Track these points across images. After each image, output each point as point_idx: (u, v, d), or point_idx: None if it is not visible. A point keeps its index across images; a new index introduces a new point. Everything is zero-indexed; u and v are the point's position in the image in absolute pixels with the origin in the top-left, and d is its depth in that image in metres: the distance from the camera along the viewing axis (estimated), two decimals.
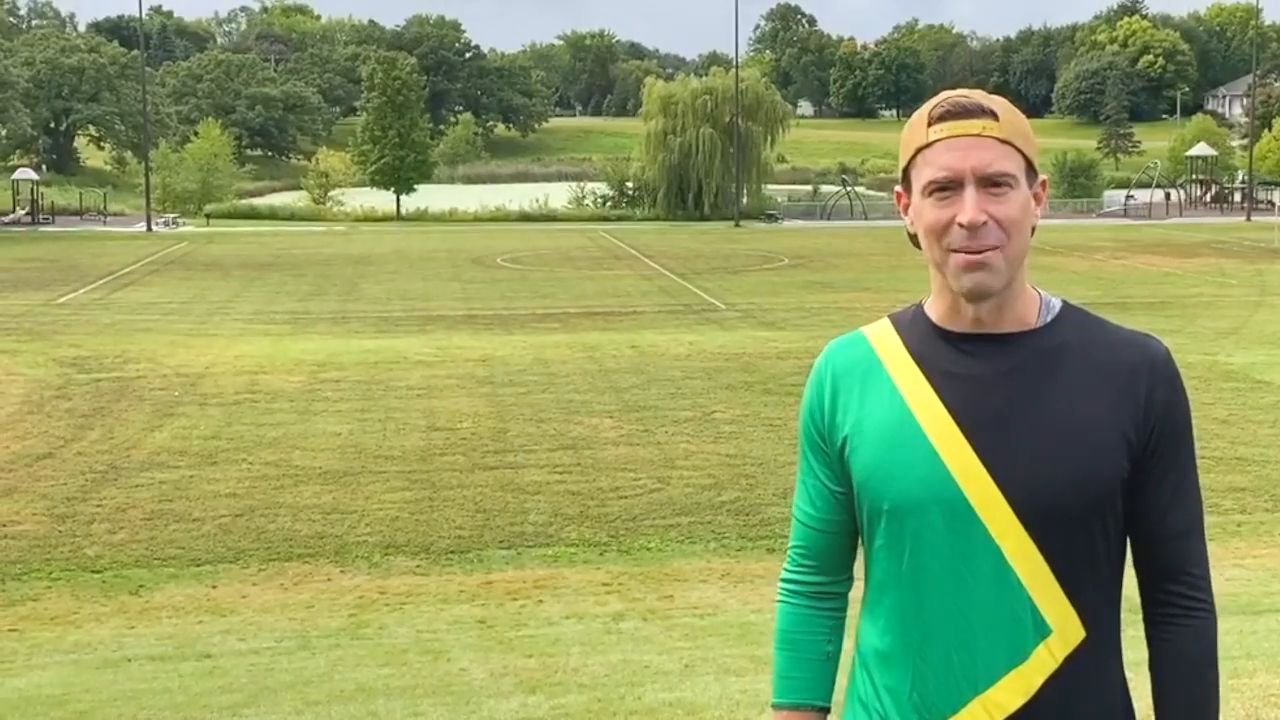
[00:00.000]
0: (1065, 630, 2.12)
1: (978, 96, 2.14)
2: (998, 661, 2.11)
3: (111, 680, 9.77)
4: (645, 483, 15.86)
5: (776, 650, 2.34)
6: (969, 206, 2.07)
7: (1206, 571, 2.22)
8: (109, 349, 25.58)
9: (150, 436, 18.34)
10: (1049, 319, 2.18)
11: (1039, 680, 2.11)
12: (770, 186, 70.83)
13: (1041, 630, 2.11)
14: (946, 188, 2.09)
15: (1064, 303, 2.22)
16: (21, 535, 14.08)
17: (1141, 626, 2.27)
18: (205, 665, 10.23)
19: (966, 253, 2.08)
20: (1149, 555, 2.19)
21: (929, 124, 2.12)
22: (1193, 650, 2.17)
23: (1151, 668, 2.20)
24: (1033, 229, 2.16)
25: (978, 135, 2.09)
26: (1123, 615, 2.25)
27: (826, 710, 2.32)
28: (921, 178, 2.12)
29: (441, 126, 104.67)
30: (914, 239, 2.22)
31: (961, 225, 2.08)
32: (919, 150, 2.13)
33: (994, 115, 2.11)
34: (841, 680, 2.34)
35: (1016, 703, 2.11)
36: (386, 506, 15.07)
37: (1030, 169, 2.14)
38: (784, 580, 2.36)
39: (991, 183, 2.08)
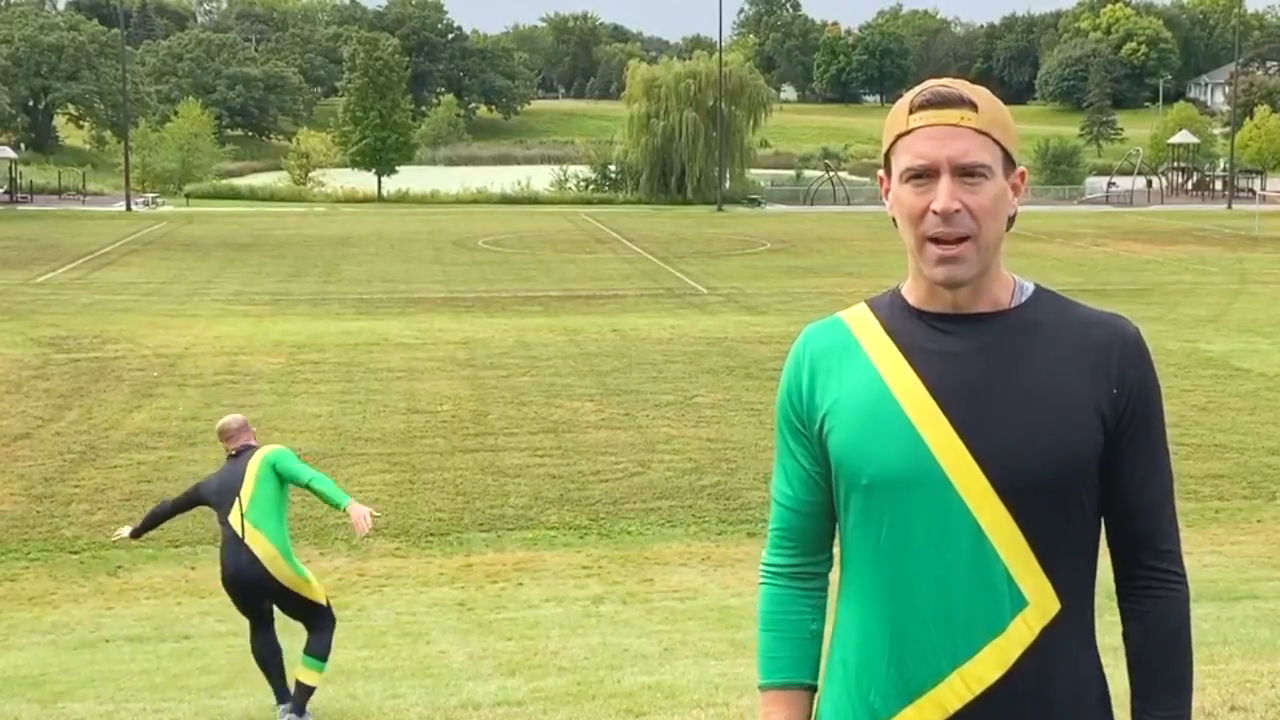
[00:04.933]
0: (1041, 603, 2.14)
1: (959, 86, 2.18)
2: (975, 634, 2.13)
3: (89, 661, 9.75)
4: (626, 466, 15.86)
5: (761, 632, 2.36)
6: (943, 195, 2.12)
7: (1179, 544, 2.27)
8: (88, 329, 25.46)
9: (129, 417, 18.26)
10: (1023, 300, 2.23)
11: (1016, 652, 2.13)
12: (753, 171, 70.68)
13: (1018, 603, 2.13)
14: (923, 175, 2.14)
15: (1036, 285, 2.27)
16: None
17: (1111, 614, 2.29)
18: (184, 646, 10.22)
19: (940, 242, 2.13)
20: (1123, 529, 2.23)
21: (910, 111, 2.17)
22: (1169, 621, 2.22)
23: (1127, 640, 2.24)
24: (1012, 218, 2.21)
25: (955, 125, 2.13)
26: (1097, 594, 2.26)
27: (814, 689, 2.33)
28: (900, 164, 2.17)
29: (423, 108, 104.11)
30: (896, 221, 2.25)
31: (935, 212, 2.12)
32: (899, 137, 2.18)
33: (973, 106, 2.15)
34: (820, 660, 2.34)
35: (994, 675, 2.13)
36: (366, 488, 15.04)
37: (1008, 160, 2.18)
38: (765, 563, 2.38)
39: (966, 172, 2.13)
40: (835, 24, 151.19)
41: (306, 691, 7.42)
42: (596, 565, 12.59)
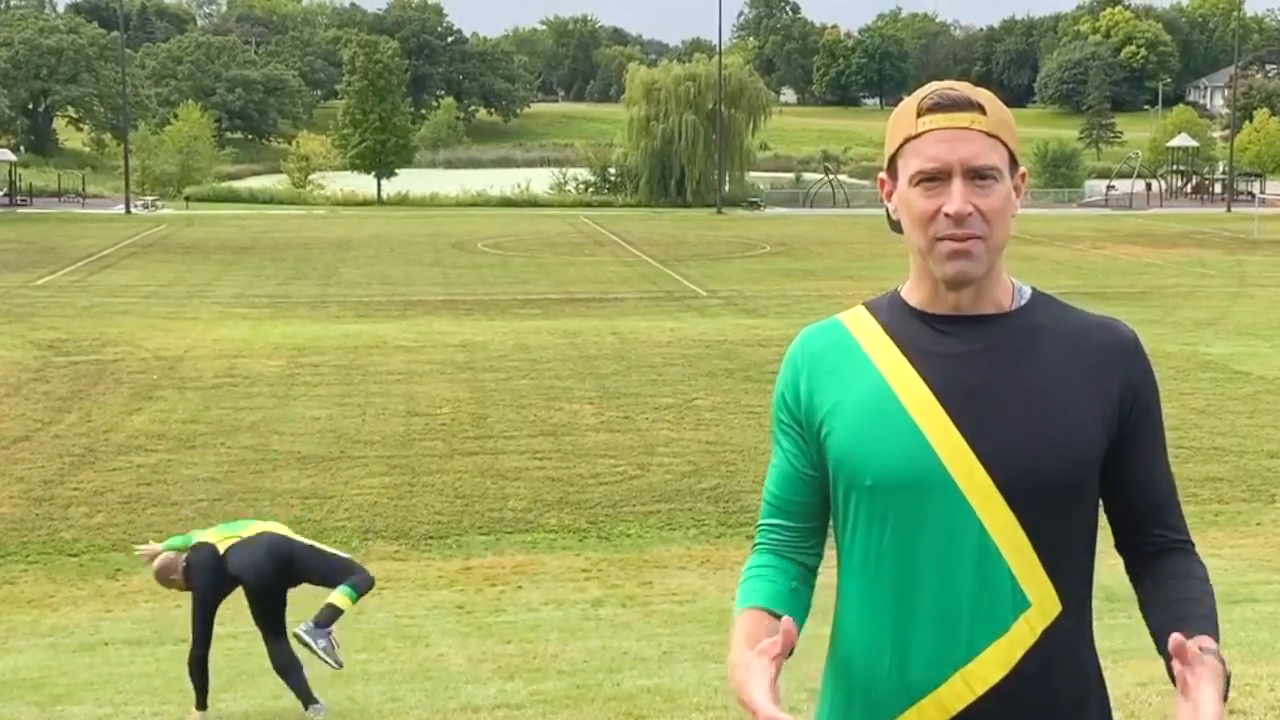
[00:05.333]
0: (1043, 603, 2.15)
1: (965, 89, 2.19)
2: (978, 635, 2.13)
3: (88, 664, 9.74)
4: (625, 469, 15.86)
5: (739, 586, 2.28)
6: (956, 197, 2.12)
7: (1188, 529, 2.29)
8: (87, 331, 25.46)
9: (128, 420, 18.26)
10: (1021, 303, 2.24)
11: (1019, 653, 2.13)
12: (753, 174, 70.70)
13: (1020, 604, 2.14)
14: (935, 178, 2.14)
15: (1033, 289, 2.28)
16: None
17: (1111, 618, 2.29)
18: (182, 649, 10.15)
19: (952, 240, 2.13)
20: (1138, 524, 2.25)
21: (918, 114, 2.17)
22: (1197, 570, 2.21)
23: (1156, 595, 2.19)
24: (1011, 219, 2.22)
25: (966, 128, 2.14)
26: (1095, 596, 2.27)
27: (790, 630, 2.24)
28: (909, 168, 2.17)
29: (423, 110, 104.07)
30: (893, 224, 2.27)
31: (948, 215, 2.12)
32: (907, 140, 2.17)
33: (981, 109, 2.16)
34: (819, 664, 2.33)
35: (997, 676, 2.13)
36: (365, 491, 15.04)
37: (1012, 161, 2.20)
38: (752, 552, 2.36)
39: (978, 175, 2.13)
40: (835, 27, 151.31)
41: (334, 611, 7.41)
42: (596, 568, 12.59)
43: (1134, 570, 2.27)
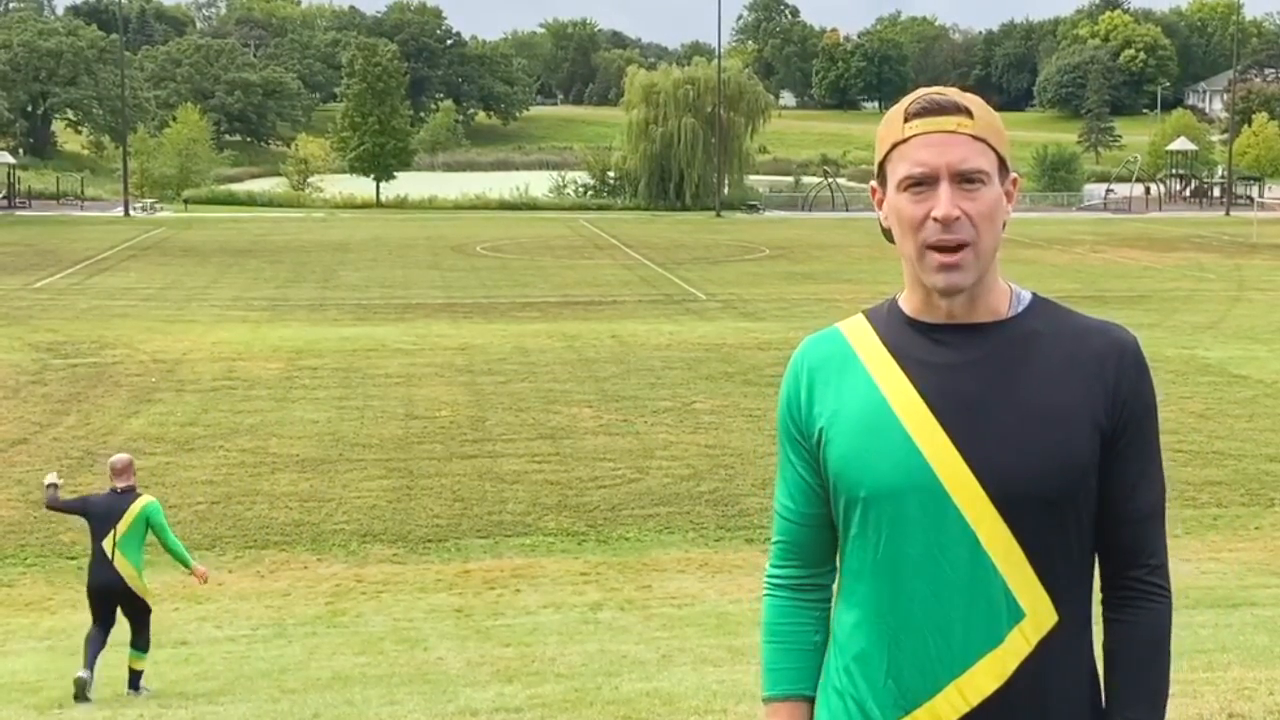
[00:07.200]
0: (1038, 614, 2.14)
1: (952, 94, 2.17)
2: (973, 646, 2.13)
3: None
4: (624, 473, 15.85)
5: (764, 644, 2.36)
6: (943, 201, 2.10)
7: (1166, 558, 2.26)
8: (86, 334, 25.45)
9: (127, 423, 18.25)
10: (1020, 309, 2.22)
11: (1014, 664, 2.13)
12: (752, 177, 70.78)
13: (1015, 614, 2.13)
14: (922, 183, 2.12)
15: (1033, 295, 2.26)
16: None
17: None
18: (181, 652, 10.22)
19: (940, 250, 2.12)
20: (1112, 539, 2.22)
21: (905, 120, 2.15)
22: (1149, 633, 2.21)
23: (1106, 650, 2.23)
24: (1004, 224, 2.20)
25: (953, 132, 2.12)
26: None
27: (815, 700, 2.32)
28: (897, 173, 2.15)
29: (422, 114, 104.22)
30: (887, 233, 2.25)
31: (936, 220, 2.11)
32: (895, 146, 2.16)
33: (968, 113, 2.14)
34: None
35: (991, 686, 2.12)
36: (364, 495, 15.04)
37: (1002, 166, 2.17)
38: (768, 575, 2.38)
39: (965, 179, 2.12)
40: (834, 30, 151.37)
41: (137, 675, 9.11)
42: (594, 572, 12.59)
43: (1103, 601, 2.25)
